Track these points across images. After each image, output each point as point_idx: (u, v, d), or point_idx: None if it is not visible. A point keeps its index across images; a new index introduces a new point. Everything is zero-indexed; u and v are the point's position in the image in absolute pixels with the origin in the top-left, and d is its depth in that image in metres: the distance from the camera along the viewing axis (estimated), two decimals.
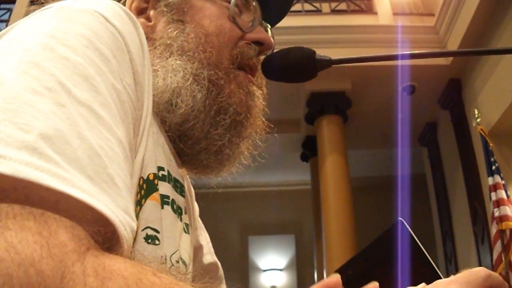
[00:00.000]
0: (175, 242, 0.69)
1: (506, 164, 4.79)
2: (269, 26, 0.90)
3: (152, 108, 0.66)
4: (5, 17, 6.13)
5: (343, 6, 6.26)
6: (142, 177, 0.63)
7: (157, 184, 0.66)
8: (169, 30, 0.77)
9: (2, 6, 6.24)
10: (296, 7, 5.96)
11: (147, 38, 0.67)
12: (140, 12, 0.81)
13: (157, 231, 0.63)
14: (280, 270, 8.65)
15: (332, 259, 4.99)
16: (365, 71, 5.51)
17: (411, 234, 0.61)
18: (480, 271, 0.52)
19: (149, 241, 0.62)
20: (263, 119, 0.84)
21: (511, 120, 4.78)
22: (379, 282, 0.50)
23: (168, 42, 0.76)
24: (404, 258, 0.60)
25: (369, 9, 6.26)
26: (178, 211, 0.72)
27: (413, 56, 0.92)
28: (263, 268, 8.64)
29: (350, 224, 5.18)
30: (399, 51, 0.90)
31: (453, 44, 5.34)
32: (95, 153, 0.47)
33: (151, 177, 0.65)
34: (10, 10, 6.07)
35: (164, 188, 0.68)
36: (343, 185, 5.41)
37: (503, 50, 1.09)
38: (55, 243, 0.41)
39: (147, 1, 0.81)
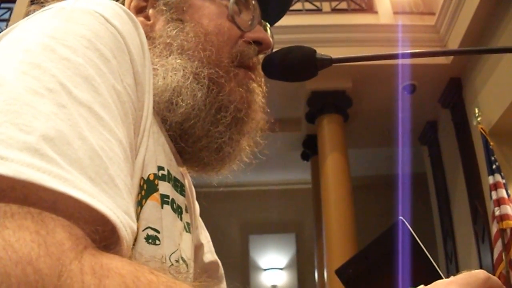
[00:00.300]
0: (174, 241, 0.69)
1: (506, 163, 4.79)
2: (268, 25, 0.90)
3: (153, 107, 0.66)
4: (6, 16, 6.14)
5: (343, 5, 6.25)
6: (142, 178, 0.63)
7: (157, 184, 0.66)
8: (169, 29, 0.77)
9: (3, 5, 6.25)
10: (297, 6, 5.97)
11: (146, 37, 0.67)
12: (139, 10, 0.80)
13: (158, 231, 0.63)
14: (281, 269, 8.65)
15: (333, 258, 4.99)
16: (365, 70, 5.51)
17: (411, 233, 0.61)
18: (479, 273, 0.52)
19: (150, 241, 0.62)
20: (263, 116, 0.84)
21: None
22: (379, 281, 0.50)
23: (168, 41, 0.76)
24: (405, 257, 0.60)
25: (369, 8, 6.25)
26: (178, 210, 0.72)
27: (413, 55, 0.92)
28: (263, 267, 8.65)
29: (351, 223, 5.18)
30: (400, 50, 0.91)
31: (454, 43, 5.33)
32: (96, 154, 0.47)
33: (151, 178, 0.65)
34: (10, 9, 6.08)
35: (164, 187, 0.68)
36: (343, 184, 5.42)
37: (503, 49, 1.09)
38: (53, 241, 0.41)
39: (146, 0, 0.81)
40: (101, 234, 0.46)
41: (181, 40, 0.76)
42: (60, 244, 0.41)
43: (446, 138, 6.22)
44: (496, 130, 4.87)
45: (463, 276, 0.52)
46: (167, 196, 0.69)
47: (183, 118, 0.74)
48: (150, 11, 0.80)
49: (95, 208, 0.44)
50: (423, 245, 0.61)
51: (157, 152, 0.68)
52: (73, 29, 0.55)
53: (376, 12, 6.12)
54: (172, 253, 0.67)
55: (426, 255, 0.60)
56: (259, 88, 0.84)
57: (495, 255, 4.10)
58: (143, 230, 0.61)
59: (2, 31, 0.63)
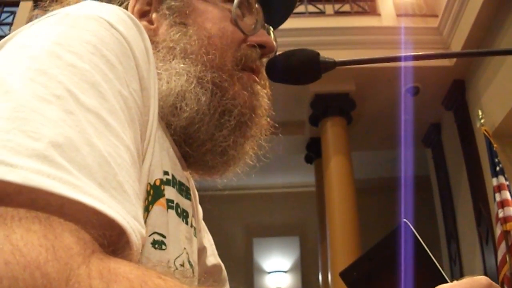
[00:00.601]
0: (179, 245, 0.69)
1: (510, 165, 4.78)
2: (272, 29, 0.91)
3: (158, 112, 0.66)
4: (9, 20, 6.17)
5: (346, 7, 6.26)
6: (149, 183, 0.63)
7: (163, 190, 0.66)
8: (172, 33, 0.77)
9: (6, 9, 6.28)
10: (300, 9, 5.97)
11: (149, 41, 0.67)
12: (143, 15, 0.80)
13: (164, 236, 0.64)
14: (285, 272, 8.64)
15: (337, 261, 4.99)
16: (369, 73, 5.51)
17: (415, 235, 0.61)
18: (482, 279, 0.52)
19: (156, 246, 0.62)
20: (268, 119, 0.84)
21: None
22: (384, 284, 0.50)
23: (171, 45, 0.76)
24: (409, 259, 0.60)
25: (372, 11, 6.25)
26: (183, 214, 0.72)
27: (416, 58, 0.92)
28: (267, 270, 8.63)
29: (355, 226, 5.18)
30: (403, 53, 0.91)
31: (457, 45, 5.33)
32: (104, 160, 0.47)
33: (157, 183, 0.65)
34: (13, 13, 6.11)
35: (169, 192, 0.69)
36: (347, 187, 5.41)
37: (506, 51, 1.09)
38: (61, 246, 0.41)
39: (149, 4, 0.81)
40: (109, 239, 0.46)
41: (184, 44, 0.76)
42: (68, 249, 0.41)
43: (449, 140, 6.21)
44: (499, 132, 4.87)
45: (466, 281, 0.52)
46: (172, 201, 0.69)
47: (187, 123, 0.74)
48: (154, 15, 0.80)
49: (105, 213, 0.44)
50: (427, 247, 0.61)
51: (162, 157, 0.68)
52: (79, 35, 0.55)
53: (379, 15, 6.12)
54: (176, 258, 0.67)
55: (430, 257, 0.60)
56: (264, 91, 0.83)
57: (499, 257, 4.09)
58: (149, 235, 0.61)
59: (5, 35, 0.63)
